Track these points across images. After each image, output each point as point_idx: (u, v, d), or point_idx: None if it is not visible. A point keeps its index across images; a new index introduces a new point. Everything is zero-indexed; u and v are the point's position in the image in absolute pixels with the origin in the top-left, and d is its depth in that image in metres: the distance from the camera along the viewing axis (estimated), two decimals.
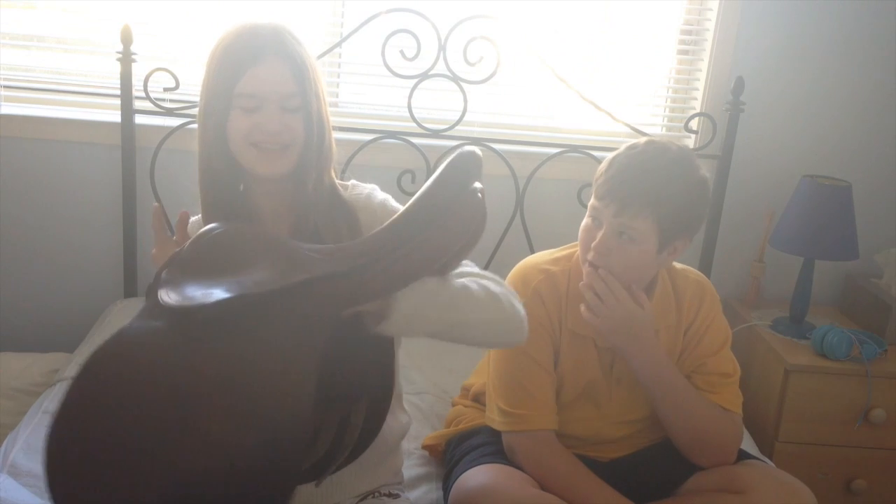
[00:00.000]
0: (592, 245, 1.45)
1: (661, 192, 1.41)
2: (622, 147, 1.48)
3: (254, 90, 1.28)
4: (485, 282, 1.24)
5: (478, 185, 1.17)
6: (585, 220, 1.50)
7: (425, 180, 2.43)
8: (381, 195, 1.43)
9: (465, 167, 1.17)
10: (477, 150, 1.20)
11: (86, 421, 1.08)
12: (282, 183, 1.35)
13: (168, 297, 1.08)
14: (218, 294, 1.08)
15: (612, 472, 1.54)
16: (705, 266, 2.39)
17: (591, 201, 1.48)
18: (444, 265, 1.18)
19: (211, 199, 1.36)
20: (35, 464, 1.57)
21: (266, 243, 1.17)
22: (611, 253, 1.44)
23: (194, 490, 1.07)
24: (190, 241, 1.15)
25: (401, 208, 1.38)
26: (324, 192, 1.37)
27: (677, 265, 1.61)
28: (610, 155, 1.49)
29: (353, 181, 1.47)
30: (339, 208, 1.38)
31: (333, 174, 1.43)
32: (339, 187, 1.42)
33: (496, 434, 1.57)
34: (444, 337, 1.20)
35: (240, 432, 1.08)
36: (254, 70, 1.28)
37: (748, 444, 1.84)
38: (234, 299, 1.07)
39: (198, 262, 1.13)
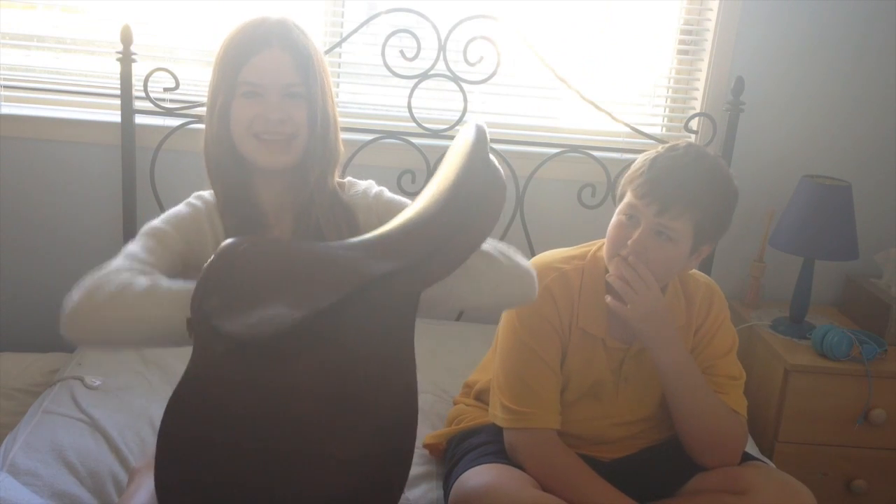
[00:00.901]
0: (629, 242, 1.47)
1: (703, 195, 1.45)
2: (661, 148, 1.51)
3: (257, 78, 1.29)
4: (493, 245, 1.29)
5: (493, 159, 1.22)
6: (618, 218, 1.51)
7: (425, 181, 2.44)
8: (375, 189, 1.44)
9: (485, 143, 1.21)
10: (481, 121, 1.24)
11: (191, 462, 1.10)
12: (285, 176, 1.35)
13: (232, 325, 1.05)
14: (285, 312, 1.06)
15: (613, 472, 1.54)
16: (705, 266, 2.39)
17: (628, 199, 1.49)
18: None
19: (219, 189, 1.37)
20: (34, 463, 1.57)
21: (302, 253, 1.16)
22: (647, 251, 1.46)
23: None
24: (214, 261, 1.09)
25: (396, 199, 1.41)
26: (326, 189, 1.37)
27: None
28: (645, 155, 1.51)
29: (349, 178, 1.47)
30: (338, 207, 1.38)
31: (336, 175, 1.43)
32: (339, 187, 1.42)
33: (497, 433, 1.57)
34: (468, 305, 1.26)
35: (357, 430, 1.12)
36: (257, 58, 1.29)
37: (748, 445, 1.83)
38: (333, 306, 1.08)
39: (239, 283, 1.09)
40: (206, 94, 1.37)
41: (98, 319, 1.14)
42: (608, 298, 1.50)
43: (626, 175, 1.53)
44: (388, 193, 1.44)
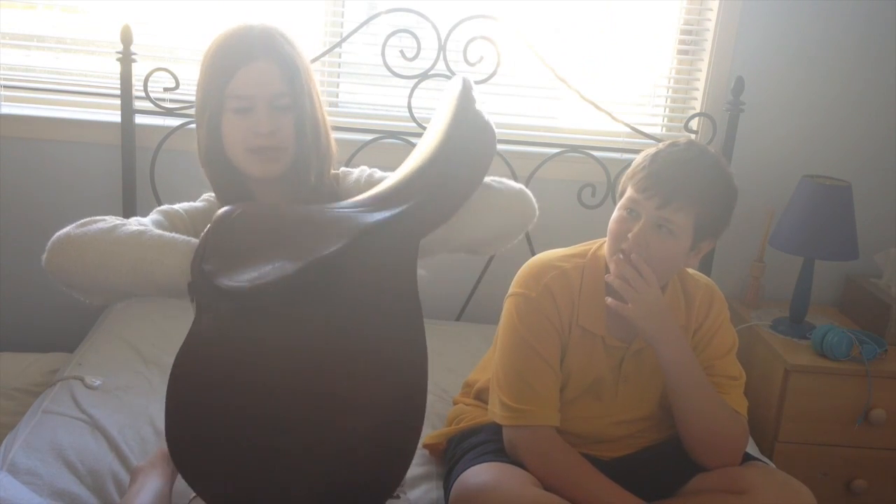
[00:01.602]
0: (630, 235, 1.47)
1: (703, 190, 1.46)
2: (662, 144, 1.52)
3: (244, 91, 1.29)
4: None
5: (480, 107, 1.26)
6: (618, 213, 1.51)
7: None
8: (367, 172, 1.45)
9: (471, 92, 1.25)
10: (466, 76, 1.29)
11: (199, 422, 1.09)
12: (280, 183, 1.36)
13: (234, 282, 1.06)
14: (285, 264, 1.07)
15: (613, 471, 1.53)
16: (705, 266, 2.39)
17: (629, 194, 1.50)
18: None
19: (219, 191, 1.39)
20: (34, 462, 1.57)
21: (295, 214, 1.18)
22: (648, 245, 1.46)
23: (341, 468, 1.12)
24: (211, 228, 1.12)
25: (388, 174, 1.40)
26: (324, 191, 1.38)
27: (687, 269, 1.63)
28: (646, 152, 1.52)
29: (343, 169, 1.48)
30: None
31: (334, 175, 1.44)
32: (334, 180, 1.43)
33: (497, 432, 1.57)
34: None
35: (376, 381, 1.12)
36: (244, 71, 1.29)
37: (748, 445, 1.83)
38: (331, 255, 1.09)
39: (237, 245, 1.11)
40: (194, 112, 1.37)
41: (85, 249, 1.15)
42: (608, 300, 1.49)
43: (627, 171, 1.53)
44: (379, 173, 1.45)
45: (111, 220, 1.20)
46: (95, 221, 1.19)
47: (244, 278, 1.06)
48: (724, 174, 1.50)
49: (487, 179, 1.30)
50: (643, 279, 1.45)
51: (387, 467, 1.18)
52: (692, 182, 1.45)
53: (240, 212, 1.14)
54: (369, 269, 1.14)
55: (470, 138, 1.22)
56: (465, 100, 1.24)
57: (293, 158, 1.34)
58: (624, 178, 1.54)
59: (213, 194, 1.43)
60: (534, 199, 1.35)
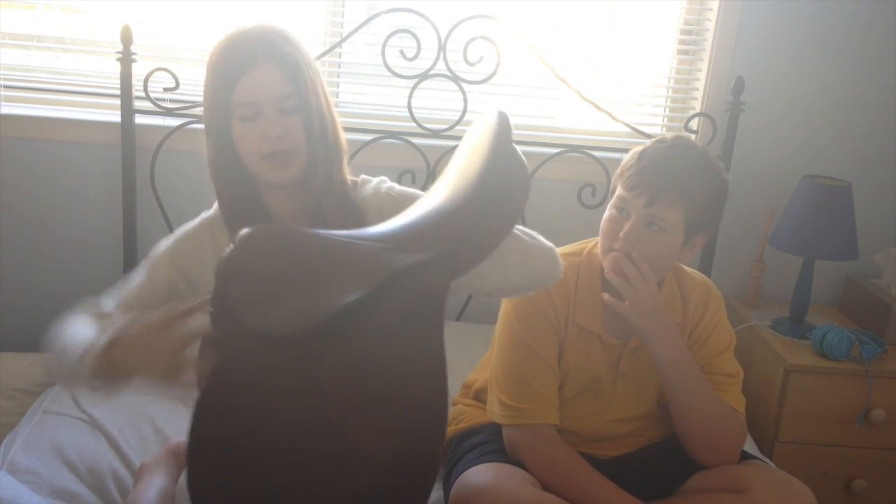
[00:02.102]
0: (621, 234, 1.47)
1: (691, 185, 1.45)
2: (649, 141, 1.52)
3: (248, 98, 1.29)
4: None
5: (514, 145, 1.22)
6: (609, 212, 1.52)
7: (426, 180, 2.43)
8: (386, 185, 1.45)
9: (509, 130, 1.21)
10: (502, 107, 1.23)
11: (223, 465, 1.07)
12: (291, 187, 1.36)
13: (258, 321, 1.03)
14: (310, 306, 1.05)
15: (612, 470, 1.54)
16: (705, 266, 2.39)
17: (618, 192, 1.50)
18: None
19: (226, 200, 1.38)
20: (33, 461, 1.57)
21: (319, 242, 1.13)
22: (639, 243, 1.46)
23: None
24: (234, 251, 1.07)
25: (407, 192, 1.40)
26: (335, 190, 1.37)
27: (684, 267, 1.63)
28: (635, 149, 1.52)
29: (363, 176, 1.48)
30: (349, 210, 1.39)
31: (346, 170, 1.43)
32: (350, 186, 1.42)
33: (497, 432, 1.57)
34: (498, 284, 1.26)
35: (385, 430, 1.10)
36: (246, 78, 1.28)
37: (748, 444, 1.84)
38: (356, 303, 1.05)
39: (261, 271, 1.07)
40: (202, 120, 1.37)
41: (70, 384, 1.28)
42: (605, 296, 1.50)
43: (617, 170, 1.53)
44: (398, 188, 1.45)
45: (73, 343, 1.23)
46: (63, 352, 1.24)
47: (268, 316, 1.03)
48: (712, 167, 1.50)
49: (519, 229, 1.27)
50: (642, 278, 1.45)
51: None
52: (679, 178, 1.45)
53: (263, 234, 1.10)
54: (395, 314, 1.10)
55: (506, 182, 1.18)
56: (503, 137, 1.19)
57: (305, 162, 1.33)
58: (614, 176, 1.54)
59: (209, 212, 1.44)
60: (560, 259, 1.32)
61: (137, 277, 1.40)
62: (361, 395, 1.10)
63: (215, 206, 1.43)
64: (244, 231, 1.08)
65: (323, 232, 1.15)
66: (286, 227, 1.23)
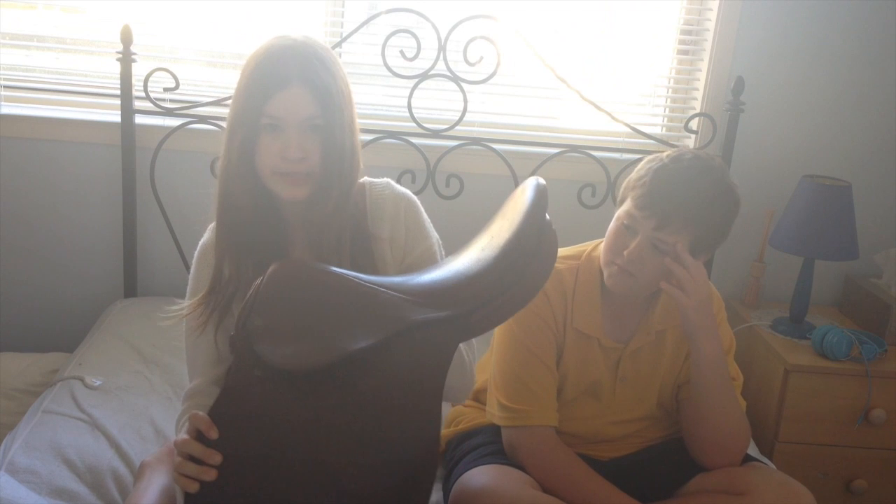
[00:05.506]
0: (626, 252, 1.46)
1: (703, 213, 1.43)
2: (665, 157, 1.48)
3: (276, 113, 1.28)
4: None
5: (548, 217, 1.25)
6: (615, 225, 1.50)
7: (426, 180, 2.42)
8: (403, 204, 1.44)
9: (545, 204, 1.24)
10: (542, 180, 1.26)
11: (216, 486, 1.11)
12: (300, 203, 1.36)
13: (270, 354, 1.09)
14: (321, 349, 1.09)
15: (611, 471, 1.54)
16: (705, 266, 2.39)
17: (628, 208, 1.47)
18: None
19: (228, 205, 1.36)
20: (33, 461, 1.57)
21: (344, 286, 1.17)
22: (643, 262, 1.45)
23: None
24: (264, 284, 1.14)
25: (421, 221, 1.43)
26: (345, 215, 1.37)
27: None
28: (648, 162, 1.49)
29: (367, 179, 1.46)
30: (358, 238, 1.39)
31: (354, 195, 1.41)
32: (355, 207, 1.41)
33: (496, 433, 1.57)
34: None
35: (374, 474, 1.13)
36: (276, 98, 1.28)
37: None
38: (368, 349, 1.10)
39: (284, 306, 1.12)
40: (226, 123, 1.35)
41: None
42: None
43: (629, 179, 1.51)
44: (413, 216, 1.44)
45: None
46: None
47: (280, 352, 1.09)
48: (726, 192, 1.47)
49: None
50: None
51: None
52: (692, 205, 1.43)
53: (293, 270, 1.16)
54: (401, 367, 1.14)
55: (534, 252, 1.21)
56: (538, 209, 1.22)
57: (319, 184, 1.33)
58: (625, 184, 1.52)
59: (203, 241, 1.44)
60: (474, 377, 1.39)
61: (190, 354, 1.43)
62: (352, 433, 1.13)
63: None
64: (275, 264, 1.15)
65: (351, 274, 1.19)
66: (317, 265, 1.24)
